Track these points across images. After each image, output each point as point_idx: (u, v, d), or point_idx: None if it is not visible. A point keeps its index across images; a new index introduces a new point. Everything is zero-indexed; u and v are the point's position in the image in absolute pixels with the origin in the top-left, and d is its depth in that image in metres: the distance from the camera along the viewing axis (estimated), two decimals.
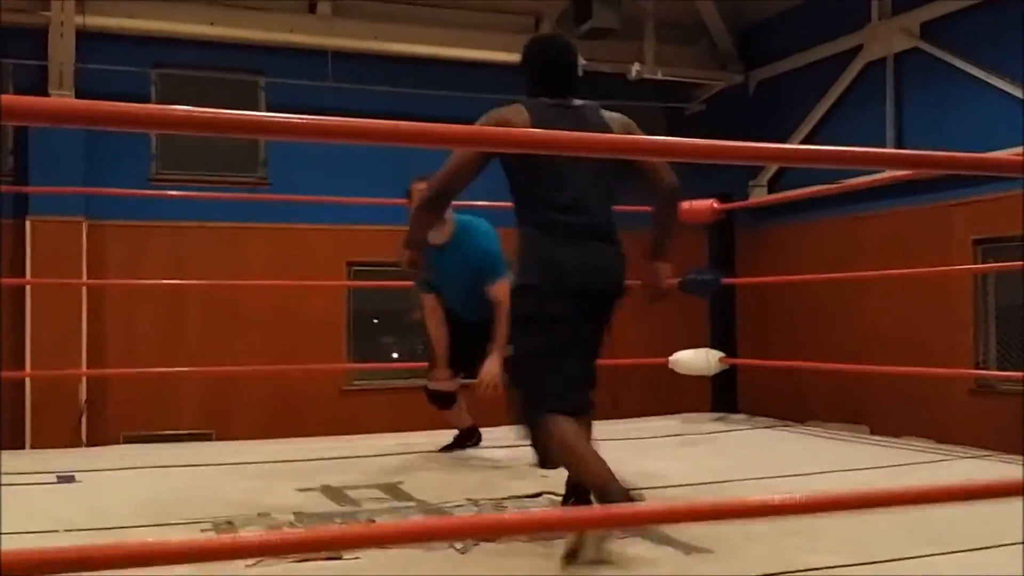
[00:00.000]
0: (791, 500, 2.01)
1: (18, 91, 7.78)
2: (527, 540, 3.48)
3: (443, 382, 5.48)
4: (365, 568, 3.19)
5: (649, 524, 2.89)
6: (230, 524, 3.89)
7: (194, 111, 1.76)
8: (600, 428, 7.12)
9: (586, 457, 3.35)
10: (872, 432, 7.51)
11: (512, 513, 3.96)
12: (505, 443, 6.37)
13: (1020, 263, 5.69)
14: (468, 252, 5.13)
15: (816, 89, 8.74)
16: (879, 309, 8.06)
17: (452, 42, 8.72)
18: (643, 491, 3.39)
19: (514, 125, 3.41)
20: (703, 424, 7.31)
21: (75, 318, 7.72)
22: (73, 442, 7.40)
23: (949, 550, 3.33)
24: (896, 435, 6.96)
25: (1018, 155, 2.55)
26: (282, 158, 8.48)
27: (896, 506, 2.25)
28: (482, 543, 3.44)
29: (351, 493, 4.51)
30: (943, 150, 2.68)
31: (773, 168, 9.16)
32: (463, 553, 3.39)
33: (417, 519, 3.91)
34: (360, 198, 7.84)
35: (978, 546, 3.35)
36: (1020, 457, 5.15)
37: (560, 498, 4.38)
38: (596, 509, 3.04)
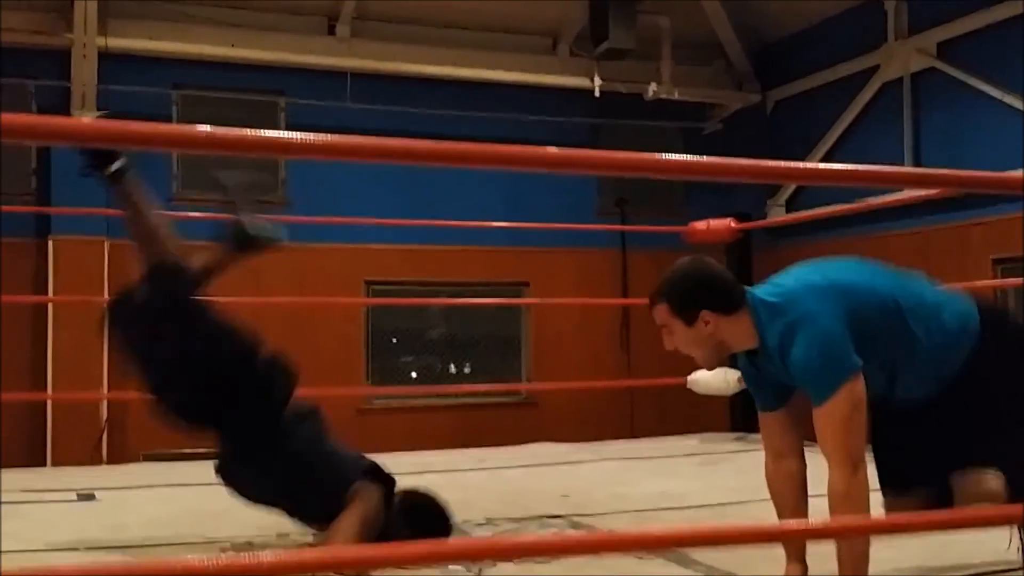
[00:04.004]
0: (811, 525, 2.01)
1: (41, 111, 7.87)
2: (543, 561, 3.47)
3: None
4: None
5: (672, 548, 2.82)
6: (249, 545, 3.91)
7: (216, 131, 1.78)
8: (618, 447, 7.14)
9: None
10: None
11: (529, 535, 3.96)
12: (528, 462, 6.38)
13: None
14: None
15: (833, 109, 8.73)
16: None
17: (469, 63, 8.77)
18: (662, 511, 3.37)
19: None
20: (722, 444, 7.30)
21: (97, 336, 7.77)
22: (94, 460, 7.44)
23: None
24: None
25: (1019, 174, 2.55)
26: (302, 178, 8.54)
27: (919, 531, 2.24)
28: (498, 563, 3.44)
29: None
30: (959, 169, 2.69)
31: (791, 187, 9.15)
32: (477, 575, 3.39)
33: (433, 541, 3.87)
34: (378, 218, 7.88)
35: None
36: None
37: (579, 518, 4.38)
38: (613, 532, 3.04)
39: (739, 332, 2.95)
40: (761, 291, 3.00)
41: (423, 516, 3.57)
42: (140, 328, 3.54)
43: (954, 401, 2.99)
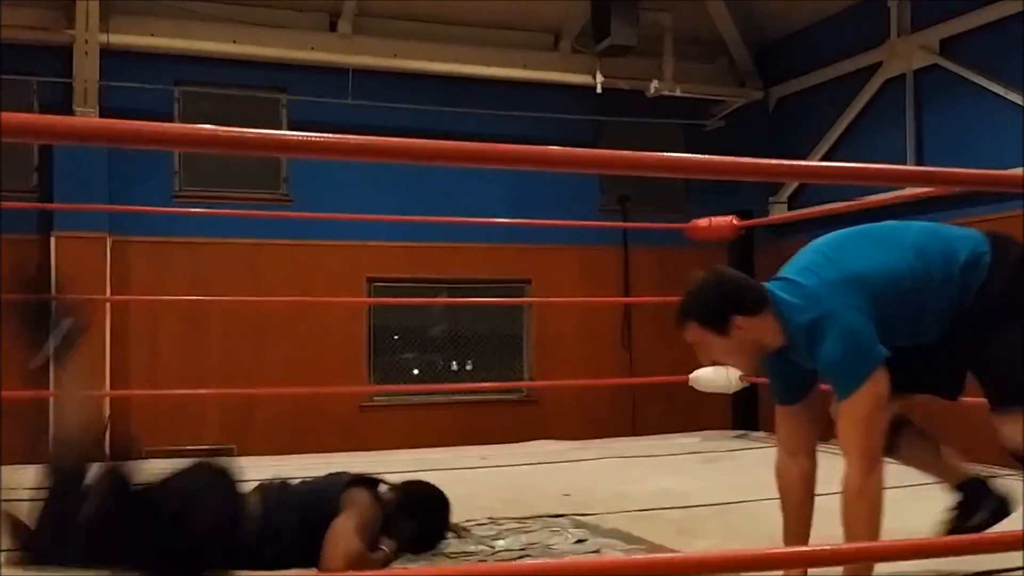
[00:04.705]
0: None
1: (43, 108, 7.87)
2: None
3: None
4: None
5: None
6: None
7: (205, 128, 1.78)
8: (620, 445, 7.14)
9: None
10: None
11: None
12: (530, 460, 6.39)
13: None
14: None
15: (836, 106, 8.72)
16: None
17: (471, 59, 8.76)
18: (664, 510, 3.36)
19: None
20: (724, 442, 7.29)
21: (99, 333, 7.77)
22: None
23: None
24: None
25: (1020, 172, 2.56)
26: (304, 174, 8.54)
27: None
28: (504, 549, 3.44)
29: None
30: (962, 167, 2.69)
31: (793, 185, 9.14)
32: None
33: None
34: (380, 215, 7.89)
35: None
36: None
37: (582, 517, 4.39)
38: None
39: (770, 330, 2.97)
40: (779, 288, 3.01)
41: (422, 503, 3.54)
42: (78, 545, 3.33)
43: (968, 321, 3.02)
